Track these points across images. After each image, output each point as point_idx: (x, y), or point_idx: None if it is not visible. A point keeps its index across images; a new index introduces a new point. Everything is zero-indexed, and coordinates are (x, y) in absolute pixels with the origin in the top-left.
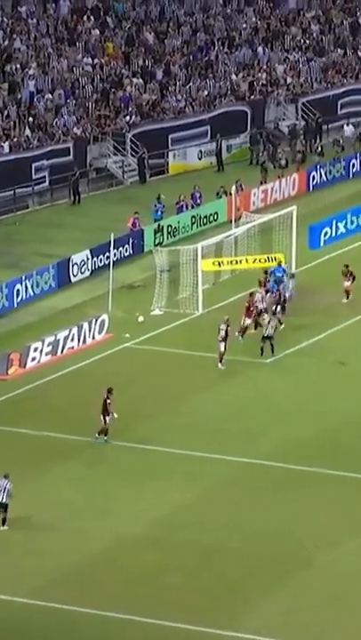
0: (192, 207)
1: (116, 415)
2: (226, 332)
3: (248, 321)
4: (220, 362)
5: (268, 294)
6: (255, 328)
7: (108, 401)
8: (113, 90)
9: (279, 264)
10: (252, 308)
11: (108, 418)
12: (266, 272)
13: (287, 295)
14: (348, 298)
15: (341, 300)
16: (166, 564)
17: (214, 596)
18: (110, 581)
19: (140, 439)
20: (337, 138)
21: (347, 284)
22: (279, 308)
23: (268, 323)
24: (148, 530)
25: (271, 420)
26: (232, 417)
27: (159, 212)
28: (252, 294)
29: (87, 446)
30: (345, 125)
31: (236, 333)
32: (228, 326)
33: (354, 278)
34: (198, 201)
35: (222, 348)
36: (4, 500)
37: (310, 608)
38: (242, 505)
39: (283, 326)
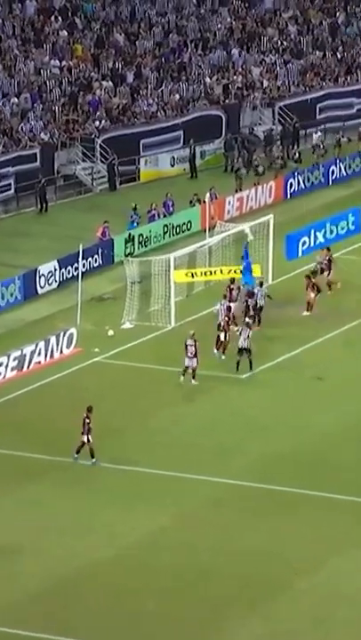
0: (164, 216)
1: (85, 438)
2: (195, 347)
3: (228, 336)
4: (193, 378)
5: (234, 305)
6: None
7: (88, 420)
8: (82, 93)
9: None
10: (230, 323)
11: (90, 436)
12: (232, 282)
13: (262, 303)
14: (310, 310)
15: (312, 312)
16: (144, 587)
17: (195, 620)
18: (82, 606)
19: (113, 457)
20: (317, 142)
21: (311, 295)
22: (248, 319)
23: (240, 334)
24: (124, 552)
25: (247, 436)
26: (206, 432)
27: (135, 224)
28: (229, 308)
29: (57, 465)
30: (313, 133)
31: (215, 352)
32: (195, 341)
33: (319, 290)
34: (171, 209)
35: (195, 364)
36: None
37: (294, 630)
38: (221, 525)
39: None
